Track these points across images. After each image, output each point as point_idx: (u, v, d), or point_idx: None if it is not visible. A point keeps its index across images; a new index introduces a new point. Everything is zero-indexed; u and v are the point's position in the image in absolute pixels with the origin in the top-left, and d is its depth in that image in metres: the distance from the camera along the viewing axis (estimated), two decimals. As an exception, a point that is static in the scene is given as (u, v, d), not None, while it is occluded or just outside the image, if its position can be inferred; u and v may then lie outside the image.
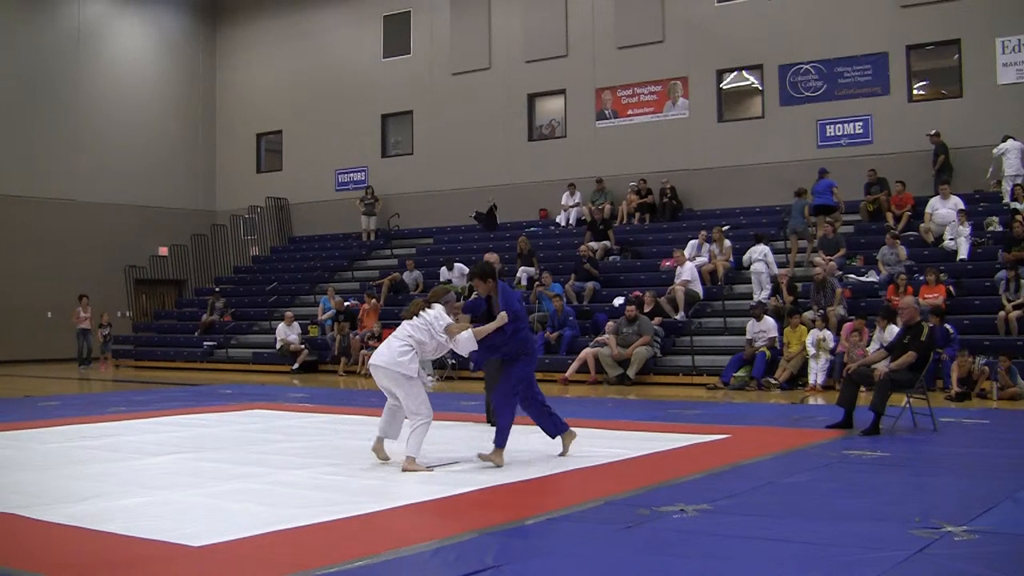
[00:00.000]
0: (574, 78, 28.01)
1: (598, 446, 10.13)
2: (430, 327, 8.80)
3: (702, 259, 22.00)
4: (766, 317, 18.64)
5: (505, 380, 9.06)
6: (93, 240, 31.44)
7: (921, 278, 18.71)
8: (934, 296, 17.96)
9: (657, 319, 20.11)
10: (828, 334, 17.58)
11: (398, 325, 9.08)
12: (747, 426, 12.26)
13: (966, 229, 20.04)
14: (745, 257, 21.43)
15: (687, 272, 20.96)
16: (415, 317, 8.89)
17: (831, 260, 20.02)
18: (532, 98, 29.11)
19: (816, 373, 17.46)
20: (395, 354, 8.73)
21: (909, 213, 21.86)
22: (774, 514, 6.92)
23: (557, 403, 15.53)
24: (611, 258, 24.29)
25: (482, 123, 29.44)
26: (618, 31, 27.26)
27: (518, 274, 23.31)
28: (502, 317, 8.81)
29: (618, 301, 21.07)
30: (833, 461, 9.25)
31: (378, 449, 9.15)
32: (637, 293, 20.76)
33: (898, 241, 20.16)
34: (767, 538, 6.20)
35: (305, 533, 6.40)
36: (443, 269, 25.14)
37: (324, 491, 7.90)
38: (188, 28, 35.22)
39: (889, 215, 22.18)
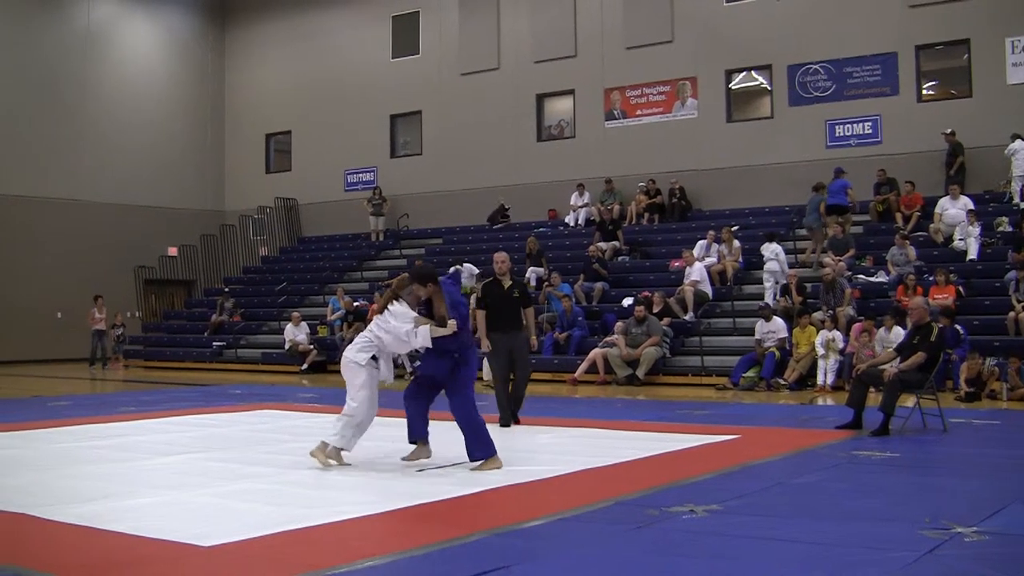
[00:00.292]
0: (583, 78, 28.01)
1: (607, 446, 10.13)
2: (387, 324, 8.86)
3: (711, 259, 21.97)
4: (775, 317, 18.62)
5: (457, 391, 8.98)
6: (102, 240, 31.51)
7: (931, 278, 18.68)
8: (944, 297, 17.91)
9: (666, 319, 20.11)
10: (837, 334, 17.54)
11: None
12: (756, 427, 12.24)
13: (976, 229, 19.98)
14: (763, 249, 21.36)
15: (696, 272, 20.94)
16: (384, 311, 8.97)
17: (840, 260, 20.00)
18: (541, 98, 29.11)
19: (825, 373, 17.44)
20: (355, 349, 8.94)
21: (918, 213, 21.81)
22: (783, 514, 6.92)
23: (567, 403, 15.62)
24: (620, 258, 24.28)
25: (491, 123, 29.44)
26: (627, 31, 27.25)
27: (527, 274, 23.30)
28: (452, 324, 8.74)
29: (627, 301, 21.04)
30: (842, 462, 9.24)
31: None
32: (646, 293, 20.75)
33: (907, 241, 20.13)
34: (777, 538, 6.19)
35: (315, 533, 6.39)
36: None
37: (333, 491, 7.91)
38: (197, 28, 35.29)
39: (898, 215, 22.13)
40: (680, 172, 26.06)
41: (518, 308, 12.27)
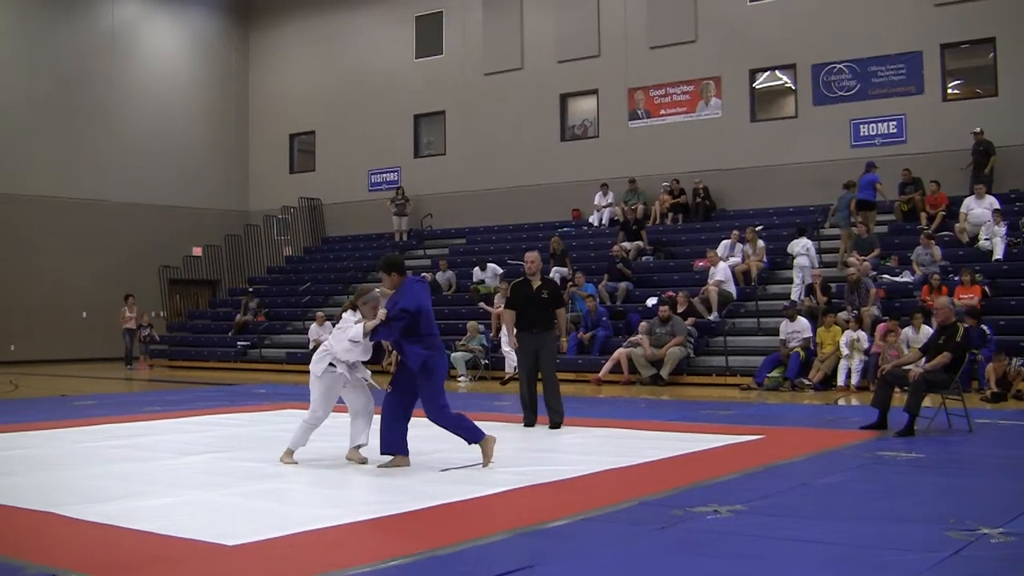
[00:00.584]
0: (606, 78, 27.98)
1: (631, 446, 10.11)
2: (337, 332, 9.04)
3: (735, 259, 21.92)
4: (800, 317, 18.55)
5: (429, 399, 8.92)
6: (127, 240, 31.68)
7: (956, 278, 18.57)
8: (969, 297, 17.81)
9: (690, 319, 20.07)
10: (862, 335, 17.47)
11: None
12: (781, 427, 12.22)
13: (1001, 229, 19.85)
14: (789, 248, 21.31)
15: (720, 272, 20.90)
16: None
17: (865, 260, 19.91)
18: (564, 98, 29.10)
19: (850, 373, 17.37)
20: (313, 361, 9.20)
21: (944, 213, 21.69)
22: (808, 515, 6.89)
23: (591, 403, 15.60)
24: (644, 258, 24.24)
25: (514, 123, 29.45)
26: (650, 31, 27.20)
27: (551, 273, 23.29)
28: (381, 314, 8.71)
29: (651, 301, 21.01)
30: (867, 462, 9.20)
31: (352, 456, 9.22)
32: (670, 293, 20.71)
33: (932, 241, 20.02)
34: (801, 539, 6.17)
35: (338, 533, 6.41)
36: (476, 269, 25.18)
37: (357, 490, 7.93)
38: (221, 29, 35.44)
39: (923, 215, 22.01)
40: (704, 172, 26.00)
41: (547, 308, 12.21)
